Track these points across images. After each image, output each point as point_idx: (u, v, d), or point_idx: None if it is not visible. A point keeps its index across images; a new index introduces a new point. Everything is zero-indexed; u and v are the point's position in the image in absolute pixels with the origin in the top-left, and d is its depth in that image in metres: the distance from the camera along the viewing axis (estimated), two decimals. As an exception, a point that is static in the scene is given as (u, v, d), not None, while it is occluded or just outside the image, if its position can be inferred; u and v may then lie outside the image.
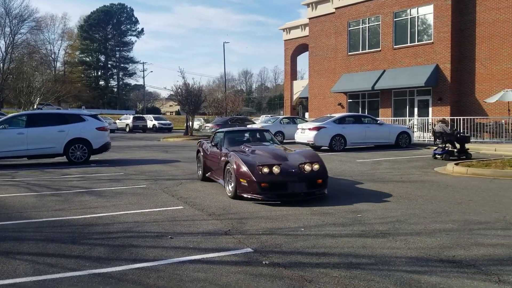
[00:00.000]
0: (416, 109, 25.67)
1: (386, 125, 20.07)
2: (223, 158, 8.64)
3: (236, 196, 7.78)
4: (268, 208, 7.10)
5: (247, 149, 8.70)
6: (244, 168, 7.63)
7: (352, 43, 28.79)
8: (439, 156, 14.40)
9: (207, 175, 9.94)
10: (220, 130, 10.47)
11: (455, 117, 21.26)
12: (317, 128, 18.33)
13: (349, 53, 28.90)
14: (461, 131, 18.00)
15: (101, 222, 6.40)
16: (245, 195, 7.62)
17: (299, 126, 20.19)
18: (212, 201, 7.89)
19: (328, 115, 21.81)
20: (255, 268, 4.33)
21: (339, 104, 29.83)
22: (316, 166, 7.81)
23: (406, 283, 3.91)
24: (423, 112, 25.16)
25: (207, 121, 38.05)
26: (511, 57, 22.26)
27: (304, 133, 18.86)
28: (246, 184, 7.54)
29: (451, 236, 5.42)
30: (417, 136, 22.52)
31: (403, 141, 19.49)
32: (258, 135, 10.31)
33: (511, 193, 8.33)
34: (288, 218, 6.44)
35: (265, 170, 7.48)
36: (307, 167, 7.73)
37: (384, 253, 4.75)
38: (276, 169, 7.51)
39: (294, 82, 41.39)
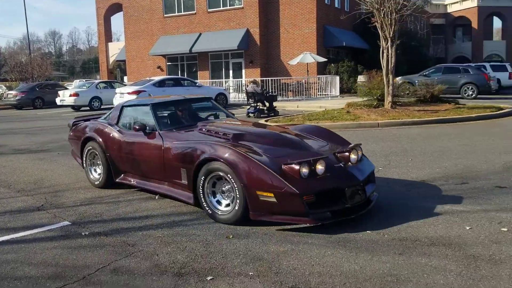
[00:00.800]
0: (231, 71, 27.06)
1: (204, 87, 20.77)
2: (178, 151, 4.97)
3: (243, 219, 4.37)
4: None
5: (217, 132, 5.20)
6: (265, 173, 4.21)
7: (168, 4, 28.39)
8: (252, 114, 15.63)
9: (118, 179, 5.94)
10: (134, 102, 6.40)
11: (264, 78, 23.14)
12: (137, 92, 17.92)
13: (165, 15, 28.49)
14: (270, 91, 19.74)
15: None
16: (269, 220, 4.28)
17: (118, 90, 19.42)
18: (20, 176, 7.16)
19: (148, 78, 21.46)
20: (73, 241, 4.17)
21: (159, 67, 29.49)
22: (360, 153, 4.89)
23: (223, 232, 4.26)
24: (238, 74, 26.69)
25: (10, 88, 33.47)
26: (308, 22, 24.98)
27: (124, 97, 18.18)
28: (275, 201, 4.14)
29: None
30: (233, 96, 23.88)
31: (221, 102, 20.46)
32: (203, 108, 6.64)
33: (310, 144, 9.61)
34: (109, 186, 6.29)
35: (304, 170, 4.21)
36: (353, 157, 4.70)
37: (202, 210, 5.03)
38: (320, 167, 4.31)
39: (110, 44, 39.12)
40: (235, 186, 4.34)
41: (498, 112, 13.48)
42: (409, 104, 15.16)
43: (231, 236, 4.13)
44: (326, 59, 24.72)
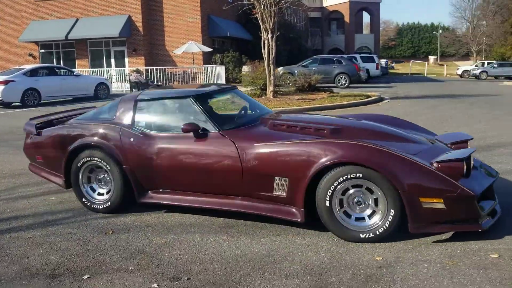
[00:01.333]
0: (113, 60, 25.83)
1: (83, 77, 19.60)
2: (273, 156, 3.87)
3: (393, 233, 3.57)
4: None
5: (303, 127, 4.24)
6: (430, 174, 3.48)
7: (38, -14, 26.05)
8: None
9: (145, 199, 4.41)
10: (155, 95, 4.70)
11: (149, 67, 22.54)
12: (5, 82, 16.36)
13: (35, -2, 26.13)
14: (155, 80, 19.30)
15: None
16: (432, 231, 3.58)
17: (-19, 80, 17.41)
18: None
19: (17, 67, 19.58)
20: None
21: (30, 55, 27.06)
22: None
23: (102, 228, 4.12)
24: (120, 63, 25.58)
25: None
26: (193, 11, 24.82)
27: (-12, 89, 16.48)
28: (444, 207, 3.44)
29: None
30: (116, 86, 22.85)
31: (102, 92, 19.47)
32: (234, 99, 5.64)
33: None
34: (-30, 187, 5.66)
35: (465, 167, 3.61)
36: (470, 148, 4.30)
37: (80, 206, 4.77)
38: (472, 162, 3.85)
39: (-31, 28, 34.72)
40: (387, 194, 3.49)
41: (366, 99, 14.88)
42: (290, 93, 15.95)
43: (110, 232, 4.00)
44: (211, 49, 24.80)
